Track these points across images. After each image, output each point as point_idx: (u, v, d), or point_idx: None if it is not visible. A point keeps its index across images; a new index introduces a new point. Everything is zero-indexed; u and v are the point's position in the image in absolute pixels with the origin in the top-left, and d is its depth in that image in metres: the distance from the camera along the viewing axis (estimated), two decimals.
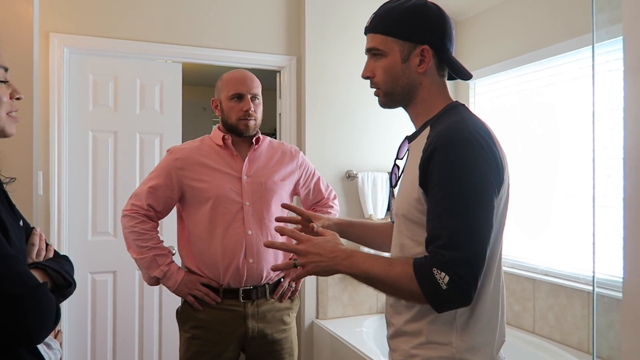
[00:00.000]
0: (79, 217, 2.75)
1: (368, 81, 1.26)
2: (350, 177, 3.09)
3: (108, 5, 2.74)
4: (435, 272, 0.98)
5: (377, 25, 1.18)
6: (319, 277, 2.97)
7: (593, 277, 2.23)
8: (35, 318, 0.86)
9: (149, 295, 2.88)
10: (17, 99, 1.03)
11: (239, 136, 1.85)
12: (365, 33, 1.22)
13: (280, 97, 3.18)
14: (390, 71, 1.17)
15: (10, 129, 1.01)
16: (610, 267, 2.03)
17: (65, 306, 2.68)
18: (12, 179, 1.10)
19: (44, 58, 2.58)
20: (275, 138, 2.95)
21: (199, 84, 4.77)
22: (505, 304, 1.18)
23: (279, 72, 3.16)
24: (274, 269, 1.16)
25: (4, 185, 1.05)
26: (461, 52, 3.11)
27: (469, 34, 3.13)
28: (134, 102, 2.87)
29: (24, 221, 1.07)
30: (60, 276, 1.02)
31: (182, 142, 2.33)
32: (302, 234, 1.14)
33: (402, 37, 1.15)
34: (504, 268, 1.18)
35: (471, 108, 2.13)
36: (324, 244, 1.11)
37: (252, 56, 3.03)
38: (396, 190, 1.24)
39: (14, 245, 0.92)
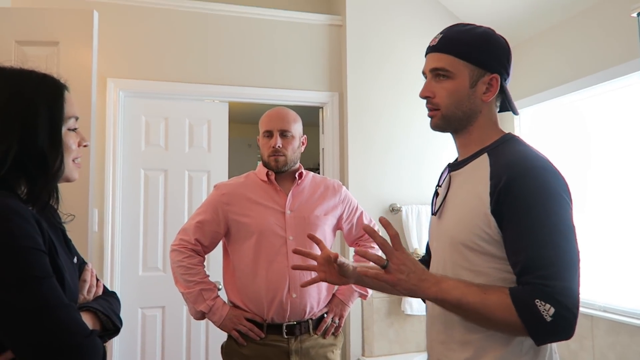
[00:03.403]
0: (131, 253, 2.85)
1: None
2: (394, 210, 3.06)
3: (159, 50, 2.91)
4: (538, 303, 0.95)
5: (448, 45, 1.14)
6: (364, 312, 2.94)
7: None
8: None
9: (196, 330, 2.91)
10: (84, 146, 1.10)
11: (275, 172, 1.89)
12: (430, 52, 1.18)
13: (323, 133, 3.23)
14: (455, 94, 1.13)
15: (74, 175, 1.08)
16: None
17: (116, 340, 2.75)
18: (71, 216, 1.15)
19: (101, 101, 2.75)
20: (319, 173, 2.99)
21: (245, 121, 4.93)
22: None
23: (322, 107, 3.22)
24: (362, 254, 1.08)
25: (63, 223, 1.11)
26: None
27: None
28: (183, 141, 3.00)
29: (78, 257, 1.12)
30: (109, 321, 1.05)
31: (229, 178, 2.40)
32: (399, 242, 1.06)
33: (474, 62, 1.12)
34: None
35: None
36: (417, 263, 1.06)
37: (295, 93, 3.11)
38: (442, 217, 1.19)
39: (68, 288, 0.96)
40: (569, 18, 2.72)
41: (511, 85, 1.21)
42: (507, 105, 1.21)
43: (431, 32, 3.53)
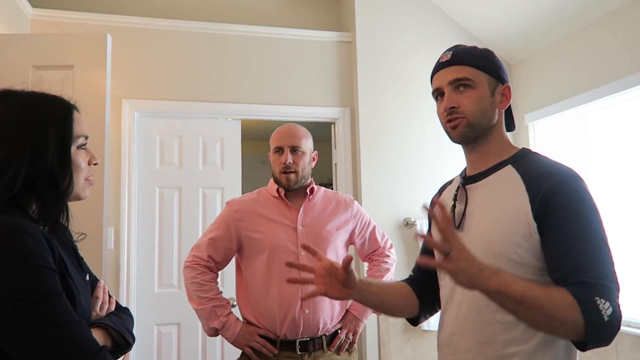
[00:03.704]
0: (146, 270, 2.87)
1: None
2: (408, 225, 3.05)
3: (173, 71, 2.97)
4: (598, 301, 0.94)
5: (465, 58, 1.19)
6: (380, 328, 2.91)
7: None
8: None
9: (211, 346, 2.91)
10: (95, 164, 1.11)
11: (285, 189, 1.89)
12: (443, 68, 1.20)
13: (335, 148, 3.24)
14: (480, 103, 1.16)
15: (84, 194, 1.09)
16: None
17: (132, 356, 2.76)
18: (82, 234, 1.17)
19: (116, 122, 2.80)
20: (332, 188, 2.99)
21: (258, 138, 4.96)
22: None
23: (333, 123, 3.23)
24: (427, 241, 1.00)
25: (75, 242, 1.13)
26: (517, 95, 3.07)
27: (523, 77, 3.09)
28: (196, 159, 3.03)
29: (90, 274, 1.14)
30: (120, 337, 1.06)
31: (242, 195, 2.41)
32: (453, 228, 1.00)
33: (490, 72, 1.18)
34: None
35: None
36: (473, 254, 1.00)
37: (307, 110, 3.14)
38: (465, 230, 1.16)
39: (79, 305, 0.97)
40: (581, 28, 2.71)
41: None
42: (508, 121, 1.25)
43: (441, 46, 3.53)
